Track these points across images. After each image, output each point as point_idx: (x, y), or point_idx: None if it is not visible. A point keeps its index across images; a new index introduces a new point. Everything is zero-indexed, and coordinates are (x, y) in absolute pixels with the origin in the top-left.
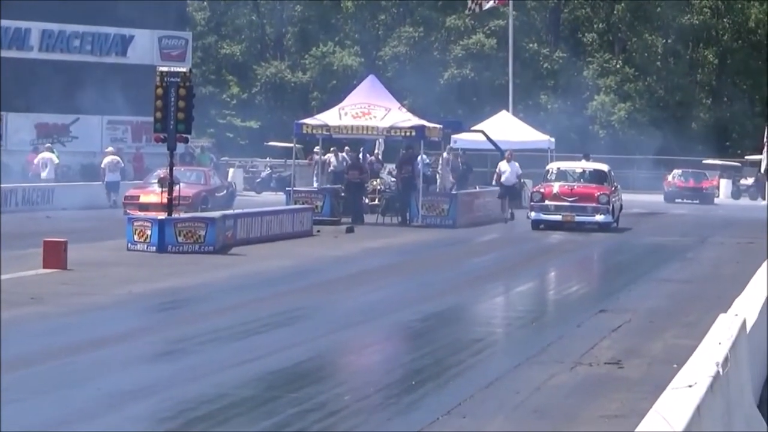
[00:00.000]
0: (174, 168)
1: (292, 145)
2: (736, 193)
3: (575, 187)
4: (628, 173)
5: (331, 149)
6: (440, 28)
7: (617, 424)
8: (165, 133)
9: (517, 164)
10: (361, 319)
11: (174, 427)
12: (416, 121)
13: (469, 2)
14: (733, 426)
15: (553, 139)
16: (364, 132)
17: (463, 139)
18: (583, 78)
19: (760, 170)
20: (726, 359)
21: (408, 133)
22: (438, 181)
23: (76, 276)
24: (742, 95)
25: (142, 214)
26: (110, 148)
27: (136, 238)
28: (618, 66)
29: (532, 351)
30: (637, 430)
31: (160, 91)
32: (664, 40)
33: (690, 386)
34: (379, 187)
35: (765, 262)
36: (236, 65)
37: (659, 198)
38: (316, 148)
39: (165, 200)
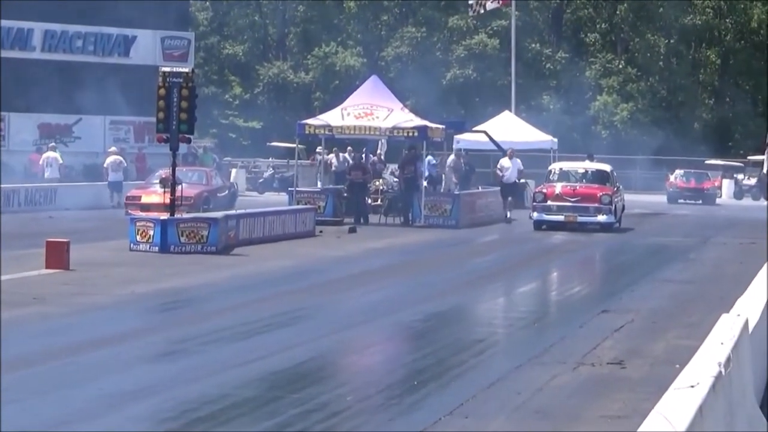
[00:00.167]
0: (176, 168)
1: (294, 145)
2: (739, 194)
3: (577, 187)
4: (631, 173)
5: (333, 150)
6: (443, 29)
7: (619, 425)
8: (167, 134)
9: (519, 161)
10: (363, 319)
11: (176, 428)
12: (419, 121)
13: (473, 4)
14: (735, 426)
15: (555, 140)
16: (367, 132)
17: (466, 139)
18: (586, 78)
19: (762, 170)
20: (728, 359)
21: (410, 134)
22: (443, 182)
23: (79, 276)
24: (745, 95)
25: (144, 214)
26: (113, 148)
27: (138, 238)
28: (620, 66)
29: (534, 351)
30: (639, 430)
31: (162, 91)
32: (666, 41)
33: (692, 386)
34: (381, 188)
35: (767, 263)
36: (239, 65)
37: (661, 198)
38: (319, 149)
39: (167, 200)
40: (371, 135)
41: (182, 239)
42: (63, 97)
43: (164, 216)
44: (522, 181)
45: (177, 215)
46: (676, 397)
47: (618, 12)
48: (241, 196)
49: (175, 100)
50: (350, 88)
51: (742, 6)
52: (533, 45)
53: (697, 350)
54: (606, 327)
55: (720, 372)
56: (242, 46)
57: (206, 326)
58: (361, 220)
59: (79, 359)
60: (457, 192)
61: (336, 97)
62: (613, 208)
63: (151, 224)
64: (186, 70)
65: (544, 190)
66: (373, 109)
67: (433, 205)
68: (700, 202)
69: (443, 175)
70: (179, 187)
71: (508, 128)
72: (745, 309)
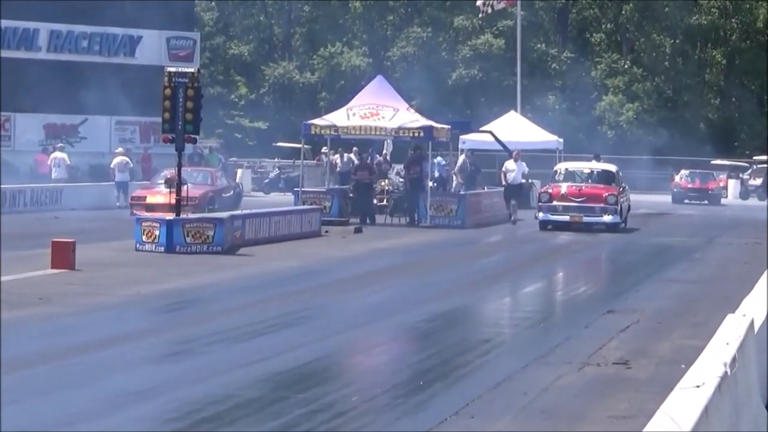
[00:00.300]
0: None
1: (300, 145)
2: (745, 194)
3: (583, 187)
4: (636, 174)
5: (338, 150)
6: (448, 29)
7: (625, 425)
8: (173, 134)
9: (524, 164)
10: (369, 319)
11: (181, 428)
12: (424, 121)
13: (480, 5)
14: (740, 426)
15: (561, 140)
16: (373, 133)
17: (471, 139)
18: (591, 78)
19: None
20: (734, 359)
21: (416, 134)
22: (454, 182)
23: (84, 276)
24: (750, 95)
25: (149, 214)
26: (120, 149)
27: (144, 238)
28: (626, 66)
29: (540, 351)
30: (644, 430)
31: (168, 91)
32: (672, 41)
33: (698, 386)
34: (387, 188)
35: None
36: (244, 66)
37: (667, 198)
38: (324, 149)
39: (172, 201)
40: (377, 135)
41: (188, 239)
42: (68, 97)
43: (170, 216)
44: (529, 181)
45: (182, 215)
46: (681, 397)
47: (623, 12)
48: (246, 197)
49: (180, 100)
50: (356, 88)
51: (748, 6)
52: (539, 45)
53: (703, 350)
54: (611, 327)
55: (725, 372)
56: (248, 47)
57: (211, 326)
58: (368, 221)
59: (84, 359)
60: (462, 192)
61: (341, 97)
62: (619, 208)
63: (157, 224)
64: (191, 70)
65: (550, 191)
66: (378, 110)
67: (439, 206)
68: (706, 202)
69: (454, 175)
70: (184, 187)
71: (514, 128)
72: (751, 309)
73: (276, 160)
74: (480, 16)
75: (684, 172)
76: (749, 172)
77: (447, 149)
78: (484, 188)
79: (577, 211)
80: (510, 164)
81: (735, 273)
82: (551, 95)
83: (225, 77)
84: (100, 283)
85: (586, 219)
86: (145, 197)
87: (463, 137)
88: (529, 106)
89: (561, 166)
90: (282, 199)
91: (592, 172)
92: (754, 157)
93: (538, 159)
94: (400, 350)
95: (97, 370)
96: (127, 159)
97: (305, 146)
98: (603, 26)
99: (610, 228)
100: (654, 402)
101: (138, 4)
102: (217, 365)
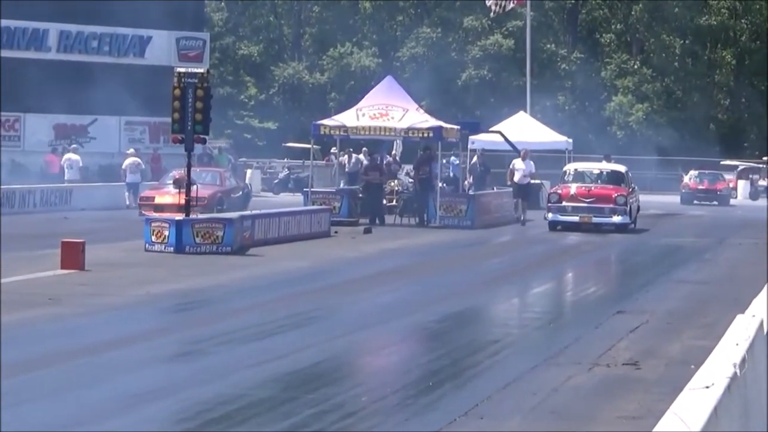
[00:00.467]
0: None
1: (309, 146)
2: (755, 194)
3: (592, 188)
4: (646, 174)
5: (347, 150)
6: (458, 29)
7: (635, 425)
8: (183, 134)
9: (532, 163)
10: (378, 320)
11: (191, 428)
12: (434, 122)
13: (492, 6)
14: (750, 427)
15: (570, 140)
16: (382, 133)
17: (481, 140)
18: (601, 79)
19: None
20: (743, 360)
21: (425, 135)
22: (467, 182)
23: (94, 277)
24: (760, 96)
25: (158, 215)
26: (131, 150)
27: (153, 238)
28: (636, 67)
29: (549, 352)
30: (654, 431)
31: (177, 92)
32: (681, 41)
33: (707, 387)
34: (396, 188)
35: None
36: (254, 66)
37: (676, 199)
38: (333, 149)
39: (181, 201)
40: (386, 136)
41: (197, 240)
42: (78, 97)
43: (179, 216)
44: (537, 182)
45: (191, 216)
46: (691, 398)
47: (633, 12)
48: (256, 197)
49: (190, 100)
50: (365, 88)
51: (758, 6)
52: (548, 45)
53: (712, 351)
54: (621, 328)
55: (735, 373)
56: (257, 47)
57: (221, 327)
58: (377, 221)
59: (94, 360)
60: (471, 192)
61: (351, 97)
62: (628, 208)
63: (167, 225)
64: (201, 70)
65: (559, 191)
66: (388, 110)
67: (449, 206)
68: (715, 203)
69: (468, 175)
70: (193, 187)
71: (523, 129)
72: (761, 310)
73: (285, 160)
74: (491, 15)
75: (693, 172)
76: (760, 173)
77: (456, 150)
78: (493, 188)
79: (586, 211)
80: (518, 163)
81: (745, 274)
82: (561, 96)
83: (234, 77)
84: (110, 283)
85: (595, 220)
86: (154, 198)
87: (472, 137)
88: (538, 106)
89: (570, 167)
90: (291, 200)
91: (602, 172)
92: (764, 158)
93: (548, 159)
94: (409, 351)
95: (107, 370)
96: (139, 160)
97: (315, 147)
98: (612, 27)
99: (620, 229)
100: (663, 402)
101: (147, 5)
102: (227, 365)
